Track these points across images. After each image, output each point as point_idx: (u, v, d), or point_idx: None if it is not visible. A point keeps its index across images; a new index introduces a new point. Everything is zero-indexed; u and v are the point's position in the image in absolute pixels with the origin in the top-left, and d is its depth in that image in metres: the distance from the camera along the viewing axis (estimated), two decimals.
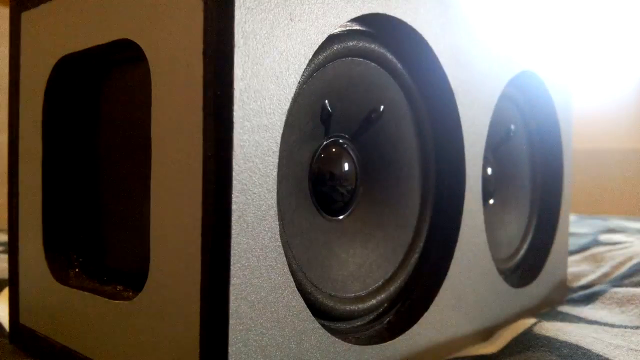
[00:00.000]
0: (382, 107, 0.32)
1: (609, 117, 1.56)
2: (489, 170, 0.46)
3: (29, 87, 0.33)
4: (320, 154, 0.31)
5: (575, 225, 0.84)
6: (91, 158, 0.33)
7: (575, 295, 0.46)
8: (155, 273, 0.24)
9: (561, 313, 0.39)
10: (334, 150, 0.31)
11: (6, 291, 0.42)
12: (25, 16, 0.34)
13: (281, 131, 0.24)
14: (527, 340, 0.30)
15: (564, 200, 0.48)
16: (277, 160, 0.24)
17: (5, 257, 0.55)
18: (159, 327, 0.24)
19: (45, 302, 0.32)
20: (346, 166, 0.32)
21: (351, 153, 0.32)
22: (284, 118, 0.24)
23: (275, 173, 0.23)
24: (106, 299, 0.28)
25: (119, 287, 0.30)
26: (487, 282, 0.38)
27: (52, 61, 0.31)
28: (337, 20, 0.26)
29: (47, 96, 0.32)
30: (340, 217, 0.32)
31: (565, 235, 0.49)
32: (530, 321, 0.35)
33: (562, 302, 0.46)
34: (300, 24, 0.24)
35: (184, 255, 0.23)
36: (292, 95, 0.24)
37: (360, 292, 0.31)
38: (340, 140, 0.32)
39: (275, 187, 0.24)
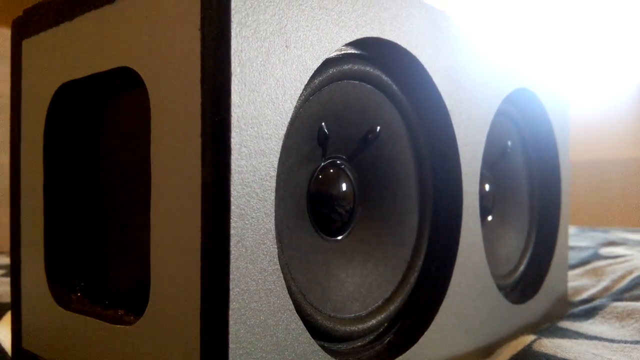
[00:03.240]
0: (378, 127, 0.33)
1: (608, 127, 1.57)
2: (487, 187, 0.46)
3: (30, 112, 0.34)
4: (318, 175, 0.31)
5: (576, 239, 0.84)
6: (92, 183, 0.33)
7: (575, 310, 0.46)
8: (156, 298, 0.25)
9: (561, 329, 0.39)
10: (331, 171, 0.32)
11: (8, 315, 0.43)
12: (26, 44, 0.34)
13: (278, 156, 0.24)
14: (526, 358, 0.30)
15: (562, 214, 0.49)
16: (274, 185, 0.24)
17: (7, 280, 0.55)
18: (160, 352, 0.24)
19: (47, 326, 0.32)
20: (344, 186, 0.32)
21: (349, 173, 0.33)
22: (281, 143, 0.24)
23: (273, 197, 0.24)
24: (108, 324, 0.28)
25: (120, 312, 0.30)
26: (487, 299, 0.39)
27: (53, 87, 0.32)
28: (332, 46, 0.27)
29: (48, 122, 0.33)
30: (339, 237, 0.32)
31: (565, 249, 0.50)
32: (529, 338, 0.35)
33: (563, 317, 0.46)
34: (296, 51, 0.25)
35: (183, 280, 0.23)
36: (289, 120, 0.25)
37: (360, 313, 0.31)
38: (338, 162, 0.32)
39: (273, 211, 0.24)
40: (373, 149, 0.33)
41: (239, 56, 0.22)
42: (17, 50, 0.35)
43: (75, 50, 0.30)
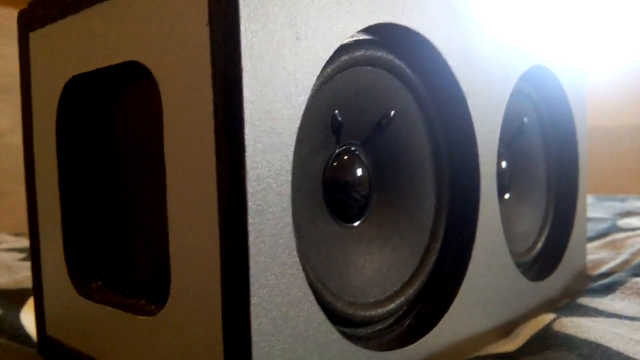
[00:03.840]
0: (392, 112, 0.33)
1: (624, 92, 1.54)
2: (504, 164, 0.46)
3: (42, 105, 0.34)
4: (333, 162, 0.31)
5: (593, 209, 0.84)
6: (108, 173, 0.34)
7: (595, 285, 0.46)
8: (176, 292, 0.25)
9: (581, 306, 0.39)
10: (345, 158, 0.32)
11: (31, 300, 0.43)
12: (34, 36, 0.34)
13: (293, 149, 0.24)
14: (546, 338, 0.30)
15: (580, 189, 0.48)
16: (290, 178, 0.24)
17: (28, 264, 0.56)
18: (182, 344, 0.25)
19: (69, 314, 0.33)
20: (359, 172, 0.32)
21: (363, 159, 0.32)
22: (295, 136, 0.24)
23: (289, 191, 0.24)
24: (130, 314, 0.28)
25: (141, 301, 0.31)
26: (506, 278, 0.38)
27: (63, 80, 0.32)
28: (344, 34, 0.26)
29: (60, 113, 0.33)
30: (356, 223, 0.32)
31: (584, 224, 0.49)
32: (549, 317, 0.35)
33: (582, 292, 0.46)
34: (307, 41, 0.24)
35: (204, 275, 0.23)
36: (302, 112, 0.24)
37: (379, 297, 0.31)
38: (352, 148, 0.32)
39: (290, 204, 0.24)
40: (387, 134, 0.33)
41: (249, 51, 0.22)
42: (25, 42, 0.35)
43: (83, 44, 0.30)
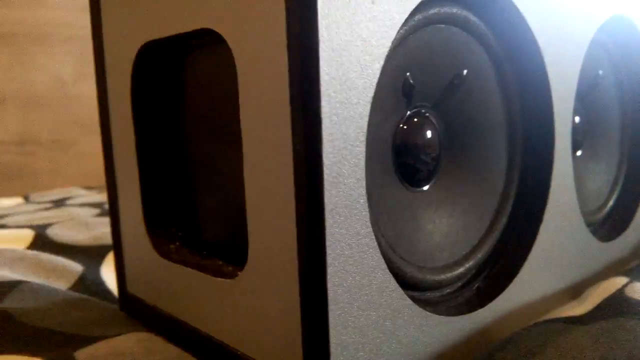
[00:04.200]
0: (465, 71, 0.32)
1: None
2: (577, 119, 0.44)
3: (115, 70, 0.35)
4: (403, 126, 0.30)
5: None
6: (184, 136, 0.34)
7: None
8: (254, 258, 0.26)
9: None
10: (415, 120, 0.31)
11: (111, 257, 0.46)
12: (105, 2, 0.35)
13: (367, 119, 0.24)
14: (618, 304, 0.30)
15: None
16: (364, 149, 0.24)
17: (104, 220, 0.59)
18: (260, 309, 0.26)
19: (149, 274, 0.34)
20: (429, 135, 0.32)
21: (433, 121, 0.32)
22: (369, 106, 0.24)
23: (363, 162, 0.24)
24: (209, 276, 0.29)
25: (219, 262, 0.32)
26: (577, 239, 0.38)
27: (135, 47, 0.32)
28: (413, 2, 0.25)
29: (134, 79, 0.33)
30: (425, 187, 0.32)
31: None
32: (621, 281, 0.34)
33: None
34: (382, 5, 0.24)
35: (281, 246, 0.24)
36: (377, 81, 0.24)
37: (449, 261, 0.31)
38: (423, 110, 0.31)
39: (364, 175, 0.24)
40: (459, 94, 0.32)
41: (325, 20, 0.22)
42: (97, 6, 0.36)
43: (154, 9, 0.30)
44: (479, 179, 0.33)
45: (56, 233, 0.51)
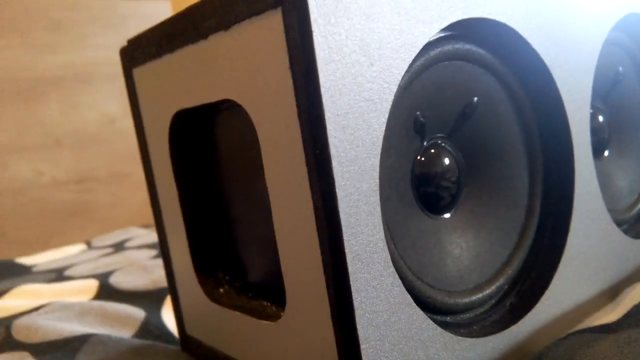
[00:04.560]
0: (475, 98, 0.33)
1: None
2: (601, 119, 0.44)
3: (154, 135, 0.38)
4: (420, 158, 0.32)
5: None
6: (220, 189, 0.37)
7: None
8: (291, 304, 0.28)
9: None
10: (432, 151, 0.33)
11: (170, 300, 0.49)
12: (137, 72, 0.38)
13: (378, 169, 0.26)
14: None
15: None
16: (378, 198, 0.26)
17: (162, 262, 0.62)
18: (301, 349, 0.28)
19: (203, 317, 0.38)
20: (446, 162, 0.33)
21: (450, 150, 0.33)
22: (378, 157, 0.26)
23: (379, 209, 0.26)
24: (254, 319, 0.32)
25: (265, 303, 0.34)
26: (608, 241, 0.38)
27: (170, 114, 0.35)
28: (416, 47, 0.27)
29: (171, 142, 0.37)
30: (449, 214, 0.33)
31: None
32: None
33: None
34: (381, 63, 0.26)
35: (312, 290, 0.26)
36: (383, 134, 0.26)
37: (479, 282, 0.33)
38: (438, 141, 0.33)
39: (381, 221, 0.26)
40: (473, 121, 0.34)
41: (328, 91, 0.24)
42: (130, 77, 0.39)
43: (182, 81, 0.33)
44: (502, 197, 0.35)
45: (118, 280, 0.55)
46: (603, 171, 0.43)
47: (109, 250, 0.75)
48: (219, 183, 0.37)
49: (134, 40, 0.38)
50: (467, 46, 0.32)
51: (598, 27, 0.38)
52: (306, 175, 0.25)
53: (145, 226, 0.93)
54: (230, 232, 0.37)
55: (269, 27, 0.25)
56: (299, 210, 0.26)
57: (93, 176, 1.61)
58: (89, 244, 0.84)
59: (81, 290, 0.54)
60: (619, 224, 0.41)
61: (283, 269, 0.28)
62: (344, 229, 0.25)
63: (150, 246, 0.73)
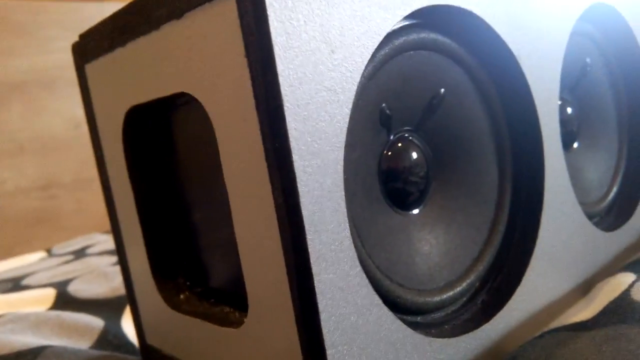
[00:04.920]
0: (442, 90, 0.32)
1: None
2: (569, 110, 0.44)
3: (107, 132, 0.36)
4: (387, 153, 0.31)
5: None
6: (179, 189, 0.35)
7: None
8: (254, 308, 0.27)
9: None
10: (399, 145, 0.32)
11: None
12: (89, 68, 0.36)
13: (342, 162, 0.24)
14: (623, 309, 0.30)
15: None
16: (343, 194, 0.24)
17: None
18: (265, 355, 0.27)
19: (163, 325, 0.36)
20: (414, 156, 0.32)
21: (418, 143, 0.32)
22: (342, 150, 0.24)
23: (344, 206, 0.24)
24: (217, 326, 0.30)
25: (226, 309, 0.33)
26: (580, 234, 0.38)
27: (123, 110, 0.33)
28: (380, 35, 0.26)
29: (125, 140, 0.35)
30: (418, 209, 0.32)
31: None
32: (627, 279, 0.34)
33: None
34: (343, 51, 0.24)
35: (275, 295, 0.25)
36: (347, 126, 0.25)
37: (450, 279, 0.32)
38: (405, 134, 0.32)
39: (346, 219, 0.24)
40: (441, 113, 0.33)
41: (287, 79, 0.22)
42: (82, 74, 0.37)
43: (136, 75, 0.31)
44: (472, 192, 0.34)
45: (76, 289, 0.53)
46: (573, 164, 0.42)
47: (69, 257, 0.72)
48: (177, 183, 0.35)
49: (86, 34, 0.36)
50: (433, 35, 0.31)
51: (565, 16, 0.37)
52: (266, 170, 0.23)
53: (109, 232, 0.90)
54: (190, 235, 0.35)
55: (223, 13, 0.24)
56: (260, 208, 0.24)
57: (57, 182, 1.56)
58: (49, 252, 0.81)
59: (38, 300, 0.51)
60: (590, 216, 0.40)
61: (244, 272, 0.27)
62: (307, 227, 0.23)
63: (111, 252, 0.71)
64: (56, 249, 0.82)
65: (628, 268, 0.36)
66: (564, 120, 0.43)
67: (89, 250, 0.74)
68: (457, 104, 0.33)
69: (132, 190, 0.35)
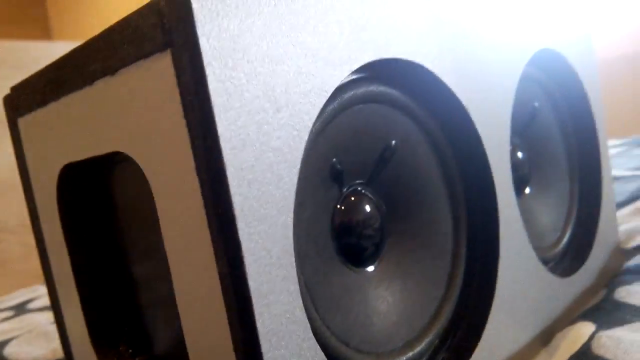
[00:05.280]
0: (393, 142, 0.31)
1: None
2: (520, 155, 0.44)
3: (41, 188, 0.34)
4: (339, 207, 0.30)
5: (618, 160, 0.80)
6: (118, 251, 0.33)
7: (631, 264, 0.45)
8: None
9: (619, 306, 0.37)
10: (352, 199, 0.30)
11: None
12: (23, 121, 0.34)
13: (292, 226, 0.23)
14: None
15: (603, 164, 0.46)
16: (293, 260, 0.23)
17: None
18: None
19: None
20: (367, 209, 0.31)
21: (370, 196, 0.31)
22: (291, 213, 0.23)
23: (295, 273, 0.23)
24: None
25: None
26: (536, 282, 0.37)
27: (57, 168, 0.31)
28: (326, 92, 0.25)
29: (59, 197, 0.32)
30: (373, 265, 0.31)
31: (612, 202, 0.47)
32: (587, 330, 0.33)
33: (618, 272, 0.45)
34: (289, 109, 0.23)
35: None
36: (295, 187, 0.23)
37: (408, 338, 0.30)
38: (358, 188, 0.31)
39: (297, 287, 0.23)
40: (392, 164, 0.32)
41: (229, 142, 0.21)
42: (15, 127, 0.35)
43: (69, 131, 0.29)
44: (427, 243, 0.33)
45: (14, 351, 0.49)
46: (526, 208, 0.42)
47: (9, 313, 0.68)
48: (115, 245, 0.33)
49: (18, 87, 0.33)
50: (381, 88, 0.30)
51: (513, 63, 0.37)
52: (209, 238, 0.22)
53: None
54: (130, 298, 0.33)
55: (159, 71, 0.22)
56: (203, 279, 0.23)
57: (3, 227, 1.50)
58: None
59: None
60: (545, 261, 0.40)
61: (188, 346, 0.24)
62: (254, 299, 0.21)
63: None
64: None
65: (587, 316, 0.36)
66: (515, 165, 0.43)
67: (30, 305, 0.70)
68: (408, 155, 0.32)
69: (66, 249, 0.33)
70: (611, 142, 1.00)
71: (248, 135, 0.22)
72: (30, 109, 0.32)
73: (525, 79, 0.42)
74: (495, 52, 0.35)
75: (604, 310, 0.36)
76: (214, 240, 0.22)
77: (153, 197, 0.25)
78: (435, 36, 0.31)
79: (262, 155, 0.22)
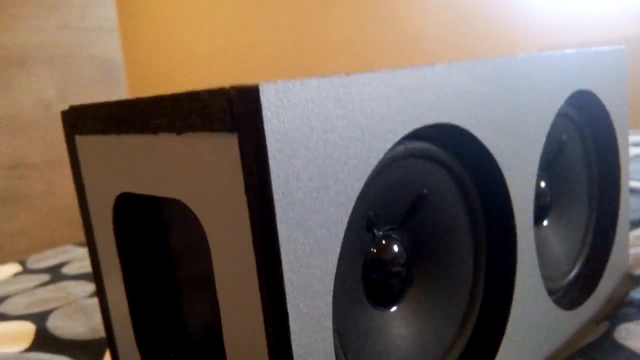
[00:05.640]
0: (425, 190, 0.33)
1: None
2: (542, 184, 0.46)
3: (97, 212, 0.36)
4: (371, 251, 0.32)
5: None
6: (167, 270, 0.36)
7: (637, 296, 0.47)
8: None
9: (618, 349, 0.39)
10: (383, 243, 0.33)
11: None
12: (80, 140, 0.36)
13: (332, 295, 0.26)
14: None
15: (622, 199, 0.48)
16: (331, 324, 0.26)
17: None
18: None
19: None
20: (396, 251, 0.33)
21: (400, 239, 0.34)
22: (332, 281, 0.26)
23: (331, 337, 0.26)
24: None
25: None
26: (544, 317, 0.40)
27: (114, 194, 0.34)
28: (369, 167, 0.27)
29: (115, 221, 0.35)
30: (397, 305, 0.34)
31: (626, 232, 0.49)
32: None
33: (625, 301, 0.47)
34: (336, 187, 0.25)
35: None
36: (337, 256, 0.26)
37: None
38: (389, 233, 0.33)
39: (332, 342, 0.26)
40: (423, 210, 0.34)
41: (284, 223, 0.23)
42: (72, 142, 0.37)
43: (128, 165, 0.32)
44: (448, 283, 0.36)
45: (57, 325, 0.53)
46: (541, 239, 0.45)
47: (45, 277, 0.72)
48: (167, 269, 0.36)
49: (77, 109, 0.36)
50: (419, 144, 0.32)
51: (549, 104, 0.38)
52: (260, 308, 0.25)
53: (82, 244, 0.90)
54: (178, 314, 0.36)
55: (225, 147, 0.24)
56: (251, 332, 0.26)
57: (26, 163, 1.54)
58: (23, 264, 0.80)
59: (16, 337, 0.51)
60: (553, 292, 0.43)
61: None
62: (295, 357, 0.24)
63: (86, 277, 0.71)
64: (30, 263, 0.81)
65: (585, 355, 0.38)
66: (537, 194, 0.45)
67: (65, 270, 0.74)
68: (438, 201, 0.34)
69: (120, 271, 0.36)
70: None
71: (301, 215, 0.24)
72: (89, 132, 0.35)
73: (557, 115, 0.43)
74: (531, 96, 0.37)
75: (601, 350, 0.39)
76: (264, 306, 0.24)
77: (207, 241, 0.28)
78: (471, 97, 0.32)
79: (310, 233, 0.25)
